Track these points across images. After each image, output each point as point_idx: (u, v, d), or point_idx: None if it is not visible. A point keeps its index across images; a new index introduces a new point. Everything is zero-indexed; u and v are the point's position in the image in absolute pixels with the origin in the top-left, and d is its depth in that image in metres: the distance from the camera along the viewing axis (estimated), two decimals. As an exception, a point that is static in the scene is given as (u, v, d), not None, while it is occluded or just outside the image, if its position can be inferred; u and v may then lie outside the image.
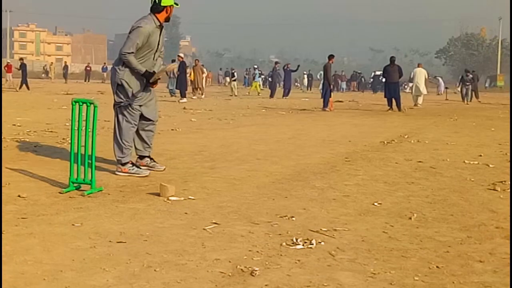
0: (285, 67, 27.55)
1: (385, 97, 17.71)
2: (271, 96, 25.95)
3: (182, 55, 23.86)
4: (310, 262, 2.96)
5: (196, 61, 24.47)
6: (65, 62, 52.71)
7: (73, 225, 3.53)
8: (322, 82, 19.49)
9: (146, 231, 3.43)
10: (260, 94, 28.88)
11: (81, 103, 4.55)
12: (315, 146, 7.98)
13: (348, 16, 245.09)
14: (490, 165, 6.40)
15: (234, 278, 2.70)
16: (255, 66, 35.41)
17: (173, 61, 23.02)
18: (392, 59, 17.63)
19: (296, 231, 3.54)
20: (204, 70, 26.29)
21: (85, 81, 44.16)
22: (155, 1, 5.33)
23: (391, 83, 17.28)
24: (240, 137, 8.93)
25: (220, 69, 56.54)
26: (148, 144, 5.62)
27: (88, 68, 47.66)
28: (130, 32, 5.28)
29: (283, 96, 25.96)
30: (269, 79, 27.91)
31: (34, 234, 3.30)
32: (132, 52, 5.22)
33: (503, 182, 5.28)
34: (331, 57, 17.41)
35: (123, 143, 5.35)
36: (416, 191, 4.94)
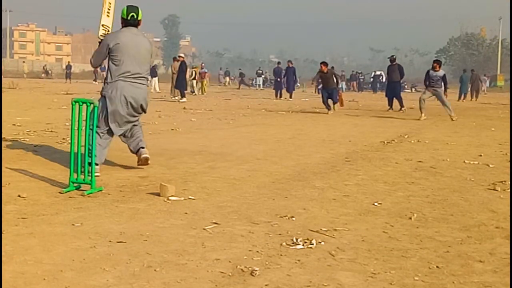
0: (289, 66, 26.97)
1: (386, 96, 17.70)
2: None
3: (182, 55, 23.75)
4: (310, 262, 2.96)
5: (179, 57, 22.30)
6: (68, 61, 52.42)
7: (73, 225, 3.53)
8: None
9: (146, 231, 3.43)
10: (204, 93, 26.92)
11: (81, 103, 4.56)
12: (315, 146, 7.98)
13: (348, 16, 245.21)
14: (490, 165, 6.40)
15: (234, 278, 2.70)
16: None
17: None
18: (391, 58, 17.57)
19: (296, 231, 3.54)
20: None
21: (94, 81, 43.74)
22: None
23: (391, 82, 17.25)
24: (240, 137, 8.92)
25: (220, 68, 56.83)
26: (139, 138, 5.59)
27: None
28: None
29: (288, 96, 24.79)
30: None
31: (34, 234, 3.30)
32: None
33: (503, 182, 5.29)
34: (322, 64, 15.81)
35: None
36: (416, 191, 4.94)
